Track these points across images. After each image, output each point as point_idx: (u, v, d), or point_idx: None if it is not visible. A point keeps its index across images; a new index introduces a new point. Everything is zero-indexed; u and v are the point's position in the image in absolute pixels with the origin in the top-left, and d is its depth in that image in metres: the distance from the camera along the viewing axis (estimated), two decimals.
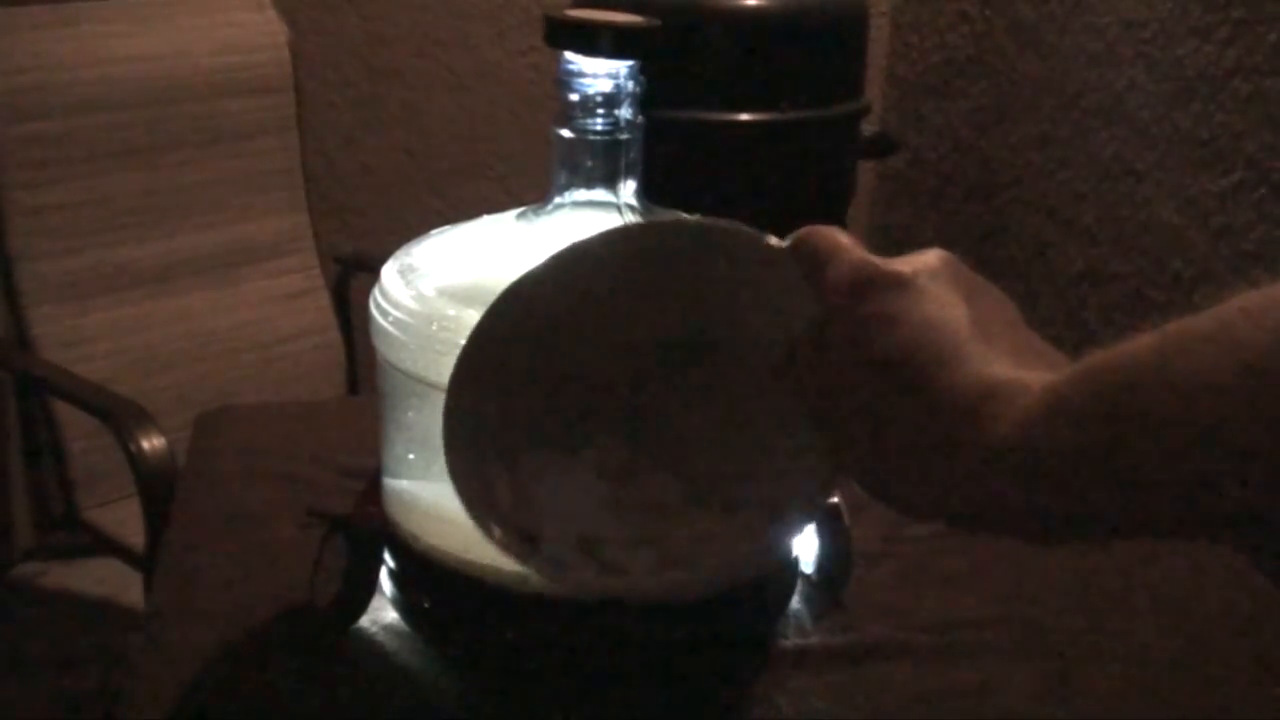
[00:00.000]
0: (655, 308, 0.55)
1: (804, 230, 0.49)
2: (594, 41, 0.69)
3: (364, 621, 0.75)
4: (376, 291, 0.72)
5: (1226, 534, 0.37)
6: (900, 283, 0.45)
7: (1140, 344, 0.40)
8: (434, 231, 0.77)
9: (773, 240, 0.52)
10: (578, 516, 0.56)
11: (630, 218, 0.72)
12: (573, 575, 0.54)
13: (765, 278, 0.52)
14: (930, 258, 0.47)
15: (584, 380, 0.57)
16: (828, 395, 0.47)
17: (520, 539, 0.54)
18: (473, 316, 0.66)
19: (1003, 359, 0.43)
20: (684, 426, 0.57)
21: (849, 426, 0.46)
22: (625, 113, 0.70)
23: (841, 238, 0.48)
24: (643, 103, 0.70)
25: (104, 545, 1.56)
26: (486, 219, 0.76)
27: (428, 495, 0.74)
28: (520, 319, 0.53)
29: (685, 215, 0.55)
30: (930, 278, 0.46)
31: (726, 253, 0.53)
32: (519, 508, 0.55)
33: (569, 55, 0.69)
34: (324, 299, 1.81)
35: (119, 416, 1.39)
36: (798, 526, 0.52)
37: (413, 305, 0.69)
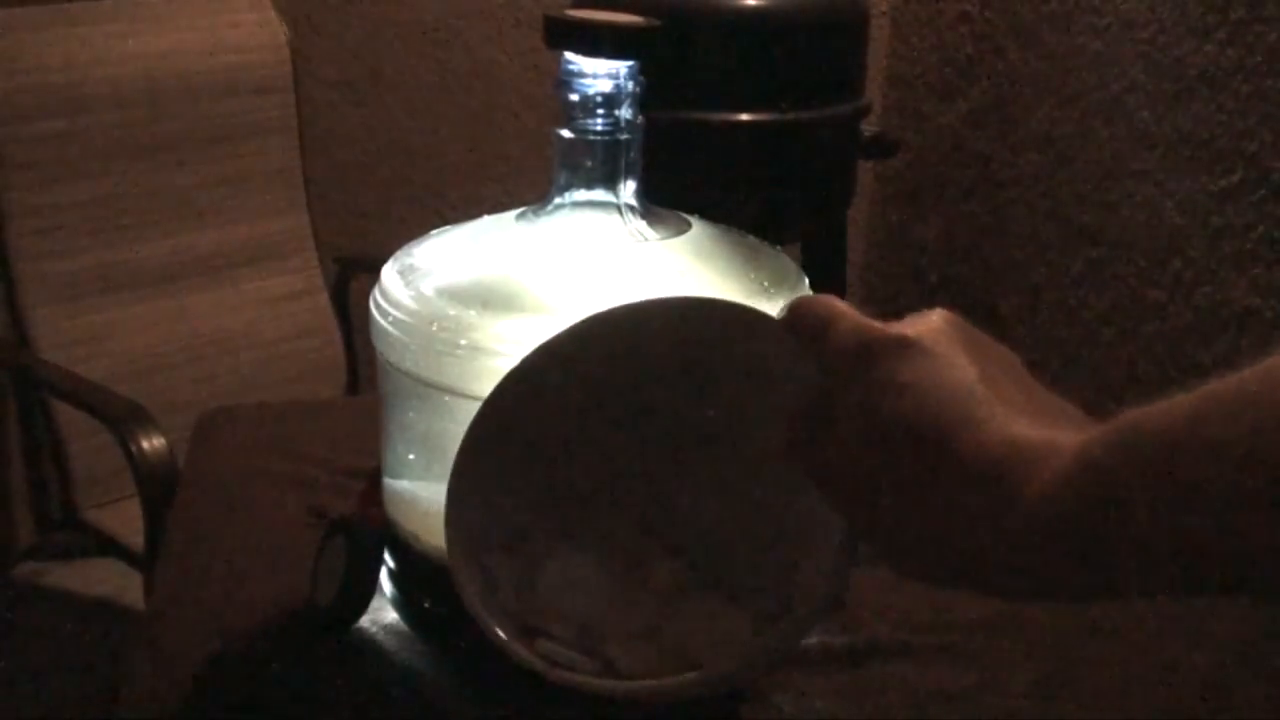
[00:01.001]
0: (659, 390, 0.54)
1: (797, 300, 0.48)
2: (594, 41, 0.69)
3: (364, 621, 0.75)
4: (376, 291, 0.72)
5: (1266, 595, 0.36)
6: (904, 345, 0.44)
7: (1177, 405, 0.38)
8: (434, 231, 0.77)
9: (771, 314, 0.51)
10: (580, 606, 0.55)
11: (630, 218, 0.72)
12: (572, 673, 0.52)
13: (768, 354, 0.50)
14: (934, 319, 0.46)
15: (587, 465, 0.56)
16: (838, 469, 0.45)
17: (520, 633, 0.52)
18: (473, 316, 0.66)
19: (1022, 419, 0.42)
20: (691, 511, 0.56)
21: (863, 500, 0.44)
22: (625, 113, 0.70)
23: (838, 304, 0.47)
24: (643, 103, 0.70)
25: (104, 545, 1.56)
26: (486, 219, 0.76)
27: (428, 495, 0.74)
28: (523, 403, 0.53)
29: (683, 295, 0.54)
30: (935, 339, 0.44)
31: (726, 330, 0.52)
32: (520, 597, 0.54)
33: (569, 55, 0.69)
34: (324, 299, 1.81)
35: (119, 416, 1.39)
36: (810, 619, 0.49)
37: (413, 305, 0.69)
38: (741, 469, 0.54)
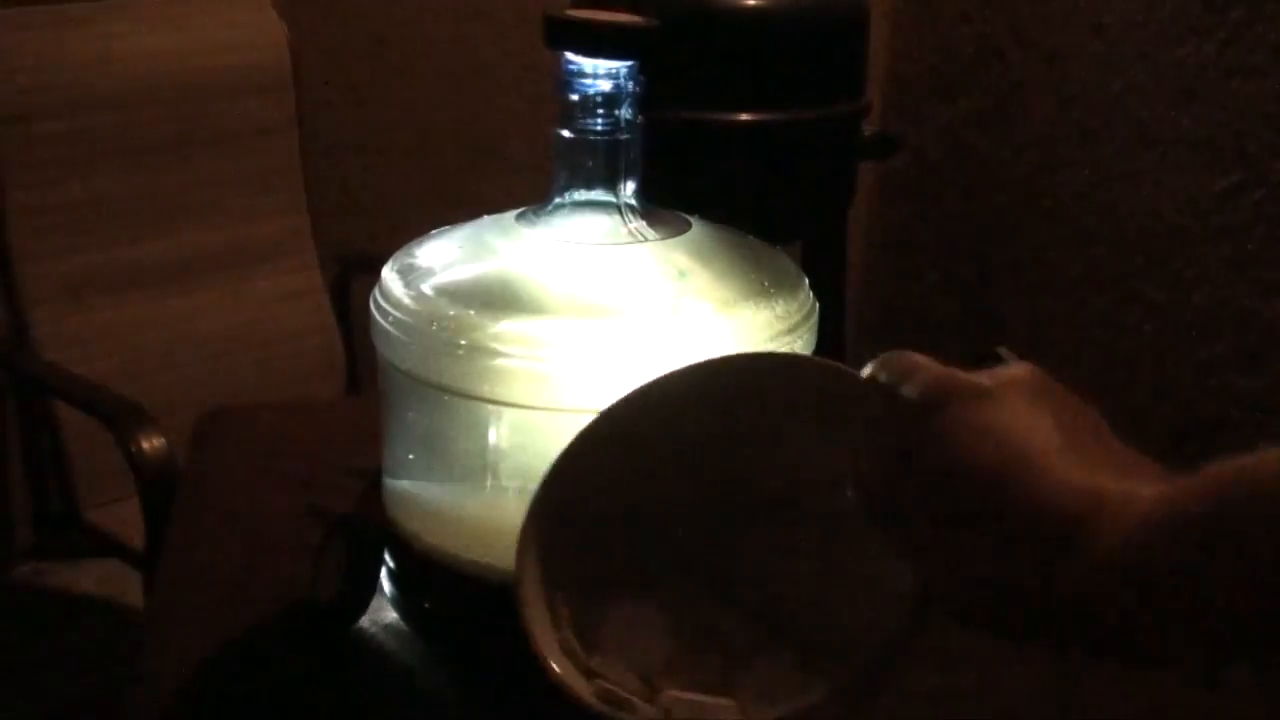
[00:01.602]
0: (732, 447, 0.55)
1: (881, 357, 0.48)
2: (594, 41, 0.69)
3: (364, 621, 0.75)
4: (376, 291, 0.72)
5: None
6: (983, 393, 0.44)
7: (1268, 458, 0.38)
8: (434, 231, 0.77)
9: (852, 370, 0.51)
10: (642, 658, 0.54)
11: (630, 218, 0.72)
12: (633, 715, 0.52)
13: (841, 409, 0.50)
14: (1017, 370, 0.46)
15: (658, 519, 0.56)
16: (911, 517, 0.45)
17: (581, 673, 0.52)
18: (473, 316, 0.67)
19: (1102, 469, 0.42)
20: (759, 568, 0.56)
21: (936, 549, 0.44)
22: (625, 113, 0.70)
23: (918, 356, 0.47)
24: (643, 103, 0.70)
25: (104, 545, 1.56)
26: (486, 219, 0.76)
27: (428, 495, 0.74)
28: (598, 455, 0.54)
29: (762, 352, 0.56)
30: (1015, 389, 0.45)
31: (798, 386, 0.53)
32: (582, 640, 0.54)
33: (569, 55, 0.69)
34: (324, 299, 1.81)
35: (119, 416, 1.39)
36: (876, 679, 0.49)
37: (413, 305, 0.69)
38: (809, 527, 0.55)
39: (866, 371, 0.48)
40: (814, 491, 0.54)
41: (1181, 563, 0.38)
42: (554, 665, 0.52)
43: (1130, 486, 0.40)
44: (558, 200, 0.73)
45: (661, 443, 0.55)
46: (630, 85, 0.70)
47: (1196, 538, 0.37)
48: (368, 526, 0.75)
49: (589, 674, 0.53)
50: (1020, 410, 0.44)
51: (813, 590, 0.55)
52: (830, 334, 0.77)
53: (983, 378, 0.45)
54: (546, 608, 0.54)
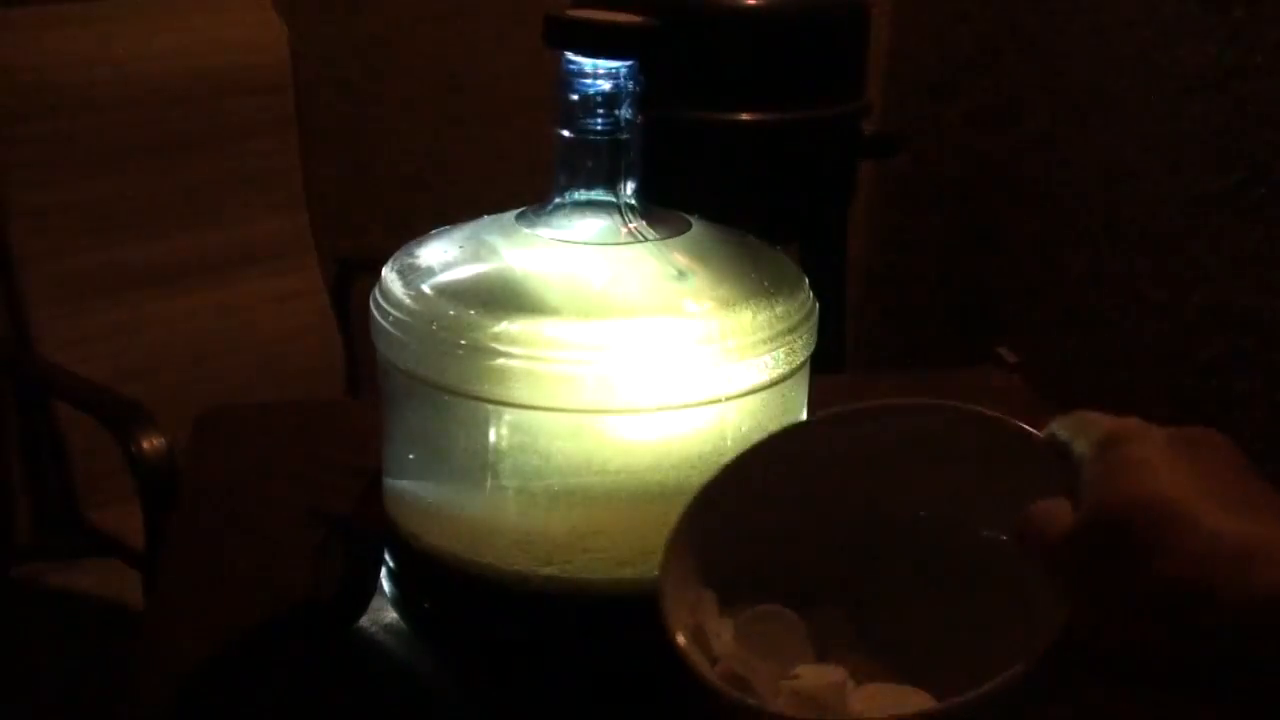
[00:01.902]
0: (887, 485, 0.56)
1: (1060, 417, 0.50)
2: (594, 41, 0.69)
3: (364, 621, 0.75)
4: (376, 291, 0.72)
5: None
6: (1146, 430, 0.46)
7: None
8: (434, 231, 0.77)
9: (1020, 425, 0.52)
10: (771, 659, 0.55)
11: (630, 218, 0.72)
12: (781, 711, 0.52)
13: (1004, 460, 0.51)
14: (1175, 429, 0.47)
15: (808, 540, 0.58)
16: (1074, 559, 0.45)
17: (707, 659, 0.53)
18: (473, 316, 0.67)
19: (1256, 518, 0.42)
20: (892, 605, 0.57)
21: (1091, 589, 0.44)
22: (625, 113, 0.70)
23: (1094, 413, 0.49)
24: (643, 103, 0.70)
25: (104, 545, 1.56)
26: (486, 219, 0.76)
27: (428, 495, 0.74)
28: (761, 469, 0.56)
29: (939, 403, 0.57)
30: (1169, 435, 0.46)
31: (964, 435, 0.54)
32: (733, 649, 0.55)
33: (569, 55, 0.69)
34: (324, 299, 1.81)
35: (119, 416, 1.39)
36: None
37: (413, 305, 0.69)
38: (958, 568, 0.56)
39: (1046, 430, 0.50)
40: (958, 536, 0.55)
41: None
42: (680, 639, 0.52)
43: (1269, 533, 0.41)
44: (558, 200, 0.73)
45: (822, 469, 0.57)
46: (630, 85, 0.70)
47: None
48: (368, 526, 0.75)
49: (713, 661, 0.54)
50: (1175, 455, 0.44)
51: (941, 634, 0.55)
52: (830, 334, 0.77)
53: (1143, 423, 0.47)
54: (684, 594, 0.55)
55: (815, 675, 0.53)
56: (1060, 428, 0.49)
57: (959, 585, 0.56)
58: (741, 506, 0.58)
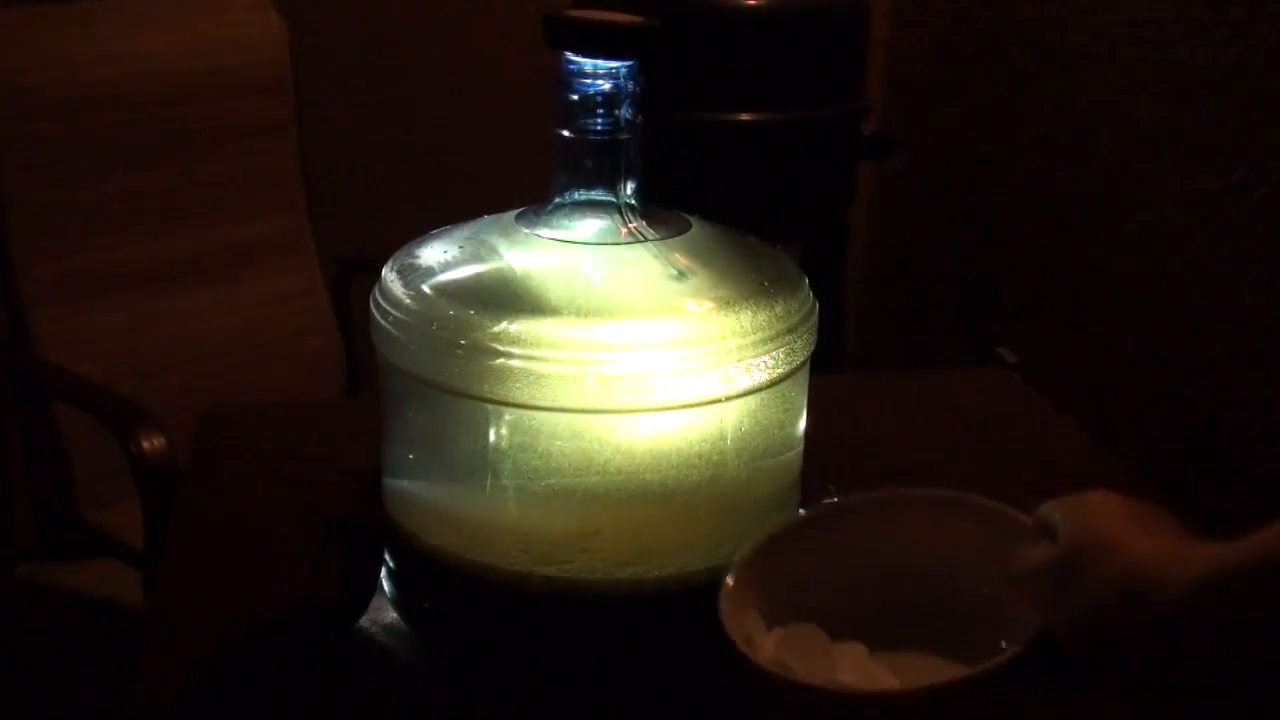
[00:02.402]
0: (901, 549, 0.67)
1: (1042, 506, 0.60)
2: (594, 41, 0.69)
3: (364, 621, 0.75)
4: (376, 291, 0.72)
5: None
6: (1110, 494, 0.57)
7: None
8: (434, 231, 0.77)
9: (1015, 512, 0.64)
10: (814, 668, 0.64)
11: (630, 218, 0.72)
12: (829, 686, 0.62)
13: (1002, 541, 0.61)
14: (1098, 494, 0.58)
15: (837, 591, 0.67)
16: (1049, 576, 0.55)
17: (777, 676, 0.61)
18: (473, 316, 0.67)
19: (1178, 538, 0.53)
20: (911, 646, 0.66)
21: (1067, 607, 0.54)
22: (625, 113, 0.70)
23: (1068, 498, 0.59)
24: (643, 103, 0.71)
25: (104, 545, 1.56)
26: (486, 219, 0.76)
27: (428, 495, 0.74)
28: (814, 530, 0.68)
29: (915, 489, 0.68)
30: (1119, 498, 0.57)
31: (973, 523, 0.65)
32: (775, 655, 0.63)
33: (569, 55, 0.69)
34: (324, 299, 1.81)
35: (119, 416, 1.39)
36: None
37: (413, 305, 0.69)
38: (948, 611, 0.66)
39: (1035, 514, 0.61)
40: (960, 590, 0.66)
41: (1228, 613, 0.47)
42: (739, 643, 0.60)
43: (1203, 547, 0.50)
44: (558, 200, 0.73)
45: (852, 534, 0.67)
46: (630, 85, 0.70)
47: (1241, 590, 0.46)
48: (368, 527, 0.75)
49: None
50: (1119, 507, 0.56)
51: (941, 670, 0.63)
52: (830, 334, 0.77)
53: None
54: (739, 612, 0.63)
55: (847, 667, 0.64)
56: (1045, 510, 0.59)
57: (958, 629, 0.64)
58: (787, 554, 0.67)
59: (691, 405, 0.67)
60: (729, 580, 0.65)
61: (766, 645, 0.64)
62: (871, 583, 0.67)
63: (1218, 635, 0.47)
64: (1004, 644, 0.59)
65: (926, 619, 0.66)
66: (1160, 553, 0.51)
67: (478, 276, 0.72)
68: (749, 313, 0.69)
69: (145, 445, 1.34)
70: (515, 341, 0.65)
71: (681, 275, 0.71)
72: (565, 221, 0.72)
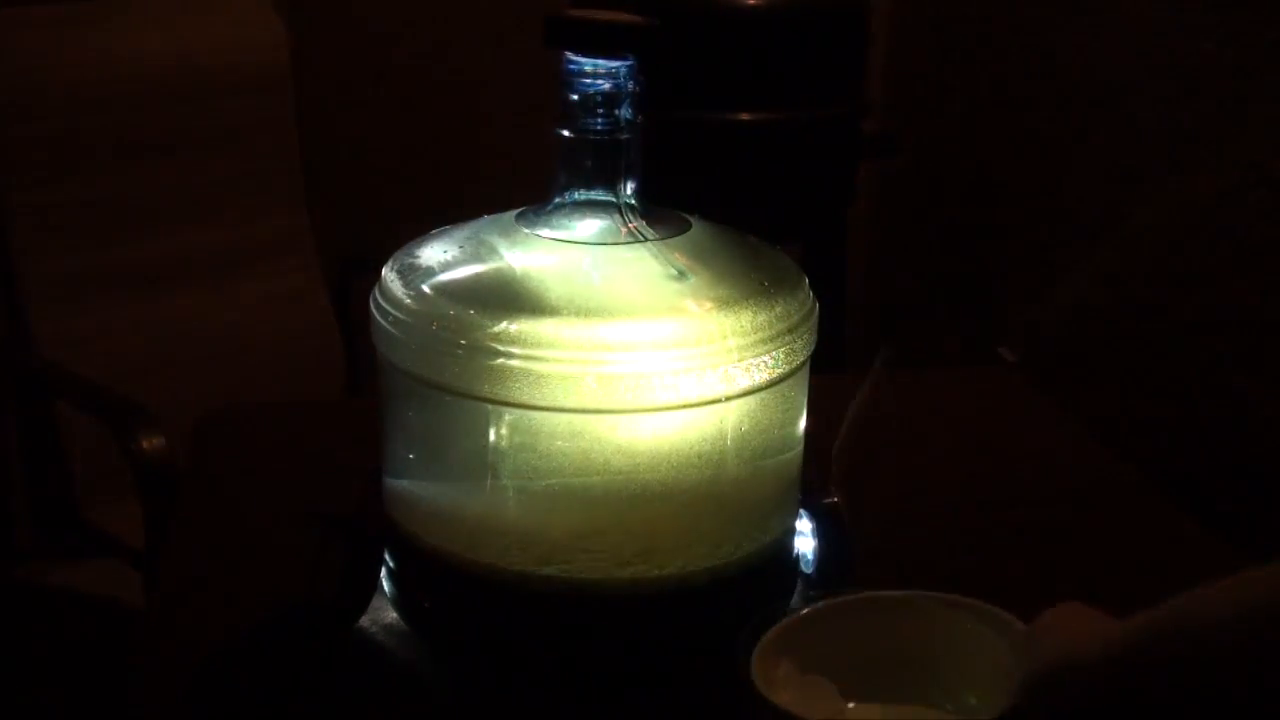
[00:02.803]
0: (905, 637, 0.69)
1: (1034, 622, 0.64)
2: (594, 41, 0.69)
3: (364, 621, 0.75)
4: (376, 291, 0.72)
5: None
6: (1069, 605, 0.63)
7: (1196, 597, 0.52)
8: (434, 231, 0.77)
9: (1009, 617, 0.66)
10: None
11: (630, 217, 0.72)
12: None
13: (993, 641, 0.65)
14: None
15: (850, 659, 0.68)
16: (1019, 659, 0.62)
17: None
18: (473, 316, 0.67)
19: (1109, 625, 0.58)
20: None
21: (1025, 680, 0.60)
22: (625, 113, 0.70)
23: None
24: (643, 103, 0.71)
25: (104, 545, 1.56)
26: (486, 219, 0.76)
27: (428, 495, 0.74)
28: (834, 614, 0.69)
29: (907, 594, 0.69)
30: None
31: (965, 623, 0.67)
32: (789, 699, 0.64)
33: (569, 55, 0.69)
34: (324, 299, 1.81)
35: (119, 416, 1.39)
36: None
37: (413, 305, 0.69)
38: (945, 690, 0.68)
39: (1028, 628, 0.64)
40: (956, 672, 0.68)
41: (1129, 681, 0.53)
42: (754, 677, 0.62)
43: (1117, 626, 0.56)
44: (558, 200, 0.73)
45: (865, 622, 0.69)
46: (630, 85, 0.70)
47: (1130, 659, 0.53)
48: (368, 526, 0.75)
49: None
50: (1073, 611, 0.62)
51: None
52: (830, 334, 0.77)
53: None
54: (765, 665, 0.64)
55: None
56: (1039, 621, 0.63)
57: (953, 706, 0.67)
58: (803, 628, 0.68)
59: (691, 405, 0.67)
60: (765, 642, 0.67)
61: (783, 693, 0.65)
62: (875, 659, 0.69)
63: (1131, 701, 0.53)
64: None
65: (925, 692, 0.69)
66: (1101, 631, 0.57)
67: (478, 276, 0.72)
68: (749, 313, 0.69)
69: (145, 445, 1.34)
70: (515, 341, 0.65)
71: (681, 275, 0.71)
72: (565, 221, 0.72)
